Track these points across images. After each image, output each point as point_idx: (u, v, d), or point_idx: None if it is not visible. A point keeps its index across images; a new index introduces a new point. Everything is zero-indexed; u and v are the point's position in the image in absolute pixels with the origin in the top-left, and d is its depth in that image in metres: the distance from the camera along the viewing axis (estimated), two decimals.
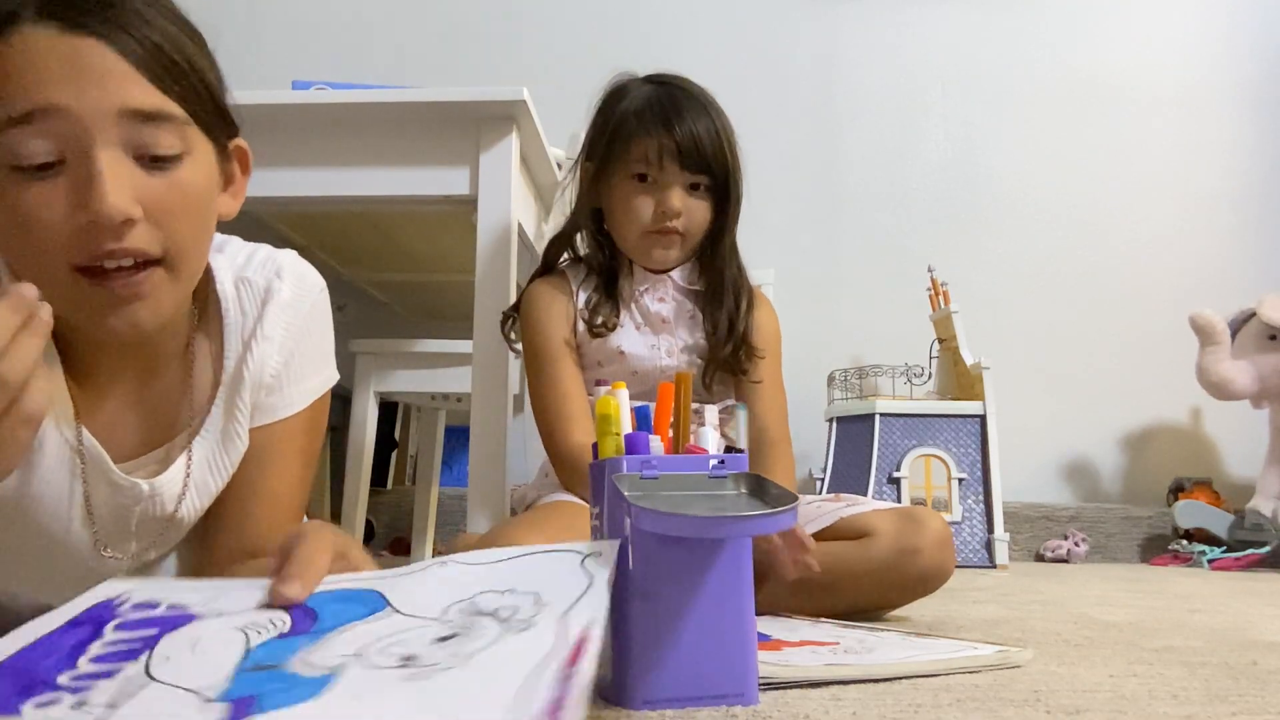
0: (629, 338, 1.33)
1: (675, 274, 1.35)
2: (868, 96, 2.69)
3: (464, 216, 1.47)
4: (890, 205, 2.66)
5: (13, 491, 0.77)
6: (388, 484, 2.49)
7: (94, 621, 0.56)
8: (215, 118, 0.75)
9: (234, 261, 0.85)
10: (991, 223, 2.65)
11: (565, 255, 1.40)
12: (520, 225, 1.49)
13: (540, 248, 1.69)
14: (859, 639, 0.91)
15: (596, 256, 1.35)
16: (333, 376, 0.92)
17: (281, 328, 0.84)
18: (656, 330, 1.34)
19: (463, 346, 1.59)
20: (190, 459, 0.82)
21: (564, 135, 1.77)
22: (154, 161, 0.69)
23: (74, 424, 0.77)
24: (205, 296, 0.84)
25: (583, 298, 1.34)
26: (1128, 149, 2.67)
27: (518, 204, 1.46)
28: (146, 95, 0.68)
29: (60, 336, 0.75)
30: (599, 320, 1.31)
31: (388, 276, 1.94)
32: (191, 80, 0.71)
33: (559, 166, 1.76)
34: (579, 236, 1.39)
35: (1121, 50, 2.70)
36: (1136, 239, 2.64)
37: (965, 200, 2.66)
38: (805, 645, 0.87)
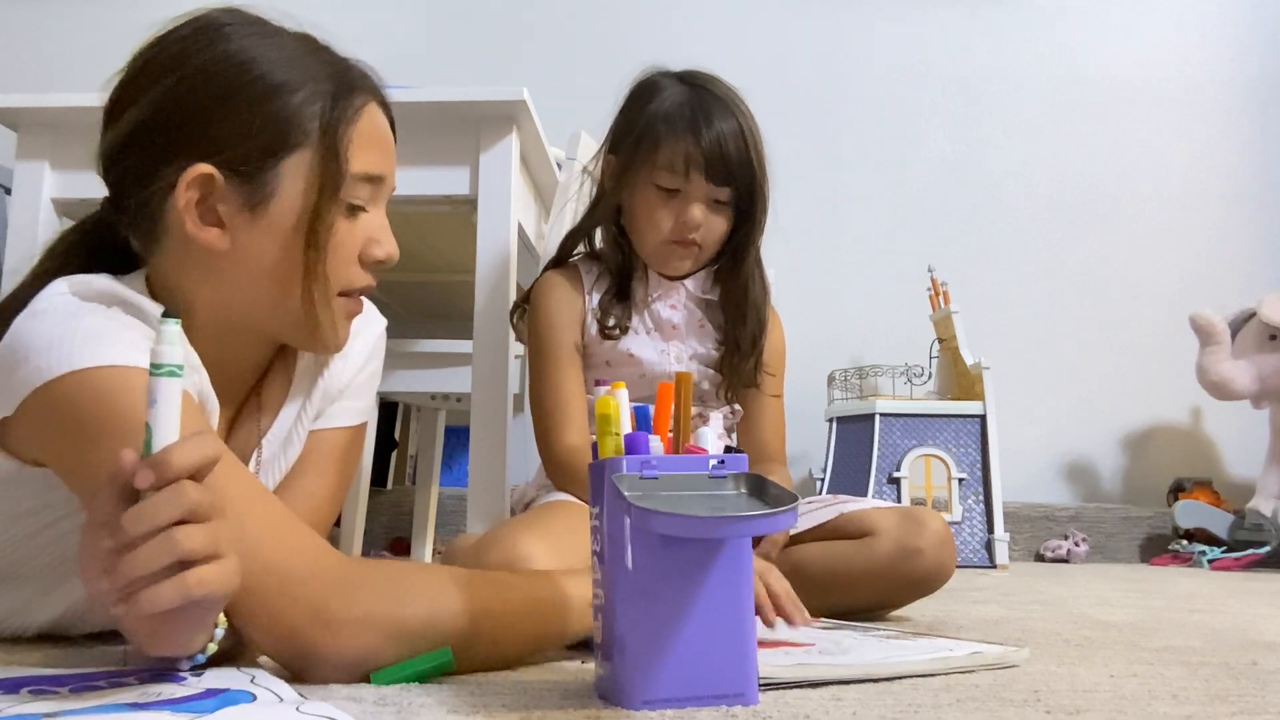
0: (639, 342, 1.32)
1: (689, 282, 1.34)
2: (868, 96, 2.69)
3: (464, 216, 1.47)
4: (890, 205, 2.66)
5: None
6: (388, 484, 2.49)
7: None
8: None
9: None
10: (991, 223, 2.65)
11: (580, 248, 1.39)
12: (520, 225, 1.49)
13: (541, 248, 1.69)
14: (835, 640, 0.90)
15: (614, 257, 1.33)
16: (373, 408, 1.01)
17: (357, 349, 0.95)
18: (666, 337, 1.33)
19: (463, 346, 1.58)
20: (260, 460, 0.89)
21: (564, 135, 1.77)
22: None
23: None
24: None
25: (595, 298, 1.32)
26: (1128, 149, 2.67)
27: (518, 204, 1.45)
28: None
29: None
30: (610, 323, 1.30)
31: (387, 276, 1.93)
32: None
33: (559, 166, 1.76)
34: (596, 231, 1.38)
35: (1121, 50, 2.70)
36: (1136, 239, 2.64)
37: (965, 200, 2.66)
38: (779, 646, 0.86)
